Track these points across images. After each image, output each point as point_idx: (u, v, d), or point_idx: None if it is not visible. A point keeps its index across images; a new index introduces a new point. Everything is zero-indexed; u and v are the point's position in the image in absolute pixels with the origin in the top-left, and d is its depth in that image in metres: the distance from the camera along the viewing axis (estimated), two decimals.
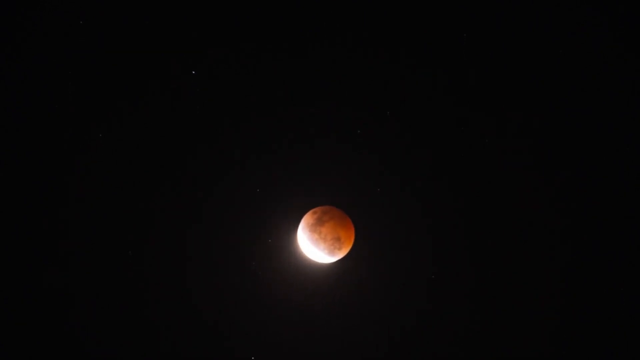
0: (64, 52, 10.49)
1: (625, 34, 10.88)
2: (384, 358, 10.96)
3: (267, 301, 11.00)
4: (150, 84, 10.68)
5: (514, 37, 10.95)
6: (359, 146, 10.99)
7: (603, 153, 11.01)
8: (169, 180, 10.84)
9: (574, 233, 11.05)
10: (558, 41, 10.94)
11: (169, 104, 10.75)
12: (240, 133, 10.88)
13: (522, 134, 11.08)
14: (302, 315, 11.00)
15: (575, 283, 11.03)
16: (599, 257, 11.02)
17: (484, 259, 11.11)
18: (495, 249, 11.11)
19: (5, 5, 10.28)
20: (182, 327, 10.82)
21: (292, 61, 10.85)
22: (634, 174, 10.94)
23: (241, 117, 10.87)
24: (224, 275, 10.95)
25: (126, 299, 10.74)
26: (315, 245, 10.85)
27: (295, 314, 10.99)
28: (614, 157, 11.00)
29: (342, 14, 10.80)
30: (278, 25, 10.75)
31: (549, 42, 10.95)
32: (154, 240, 10.85)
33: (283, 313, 10.98)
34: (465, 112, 11.09)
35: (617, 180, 11.00)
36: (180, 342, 10.81)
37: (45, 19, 10.42)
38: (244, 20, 10.71)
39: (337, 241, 10.80)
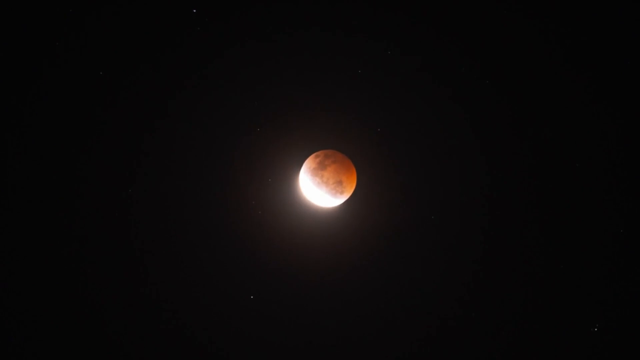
0: None
1: None
2: (386, 303, 11.17)
3: (266, 242, 11.01)
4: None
5: None
6: (360, 88, 10.82)
7: None
8: (169, 118, 10.67)
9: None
10: None
11: (167, 40, 10.45)
12: (242, 73, 10.67)
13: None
14: (301, 258, 11.06)
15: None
16: None
17: (485, 200, 11.16)
18: (497, 202, 11.16)
19: None
20: (176, 264, 10.85)
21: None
22: None
23: (243, 55, 10.63)
24: (223, 213, 10.91)
25: (124, 237, 10.71)
26: (317, 189, 10.80)
27: (294, 257, 11.05)
28: None
29: None
30: None
31: None
32: (152, 179, 10.74)
33: (282, 255, 11.03)
34: (468, 50, 10.86)
35: None
36: (174, 282, 10.86)
37: None
38: None
39: (339, 185, 10.75)
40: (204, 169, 10.80)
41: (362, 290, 11.10)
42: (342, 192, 10.81)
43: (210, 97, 10.68)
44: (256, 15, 10.53)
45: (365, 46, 10.73)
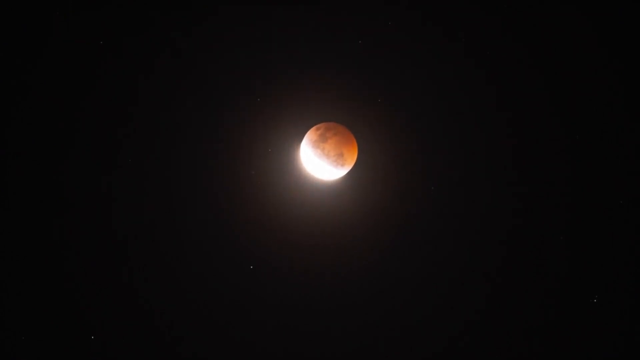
0: None
1: None
2: (388, 279, 11.25)
3: (265, 211, 11.01)
4: None
5: None
6: (361, 59, 10.72)
7: None
8: (166, 88, 10.60)
9: None
10: None
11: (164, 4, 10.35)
12: (243, 44, 10.58)
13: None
14: (301, 227, 11.09)
15: None
16: None
17: (488, 171, 11.15)
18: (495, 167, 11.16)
19: None
20: (173, 236, 10.86)
21: None
22: None
23: (244, 25, 10.54)
24: (222, 182, 10.89)
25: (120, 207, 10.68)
26: (318, 161, 10.78)
27: (293, 226, 11.07)
28: None
29: None
30: None
31: None
32: (150, 150, 10.67)
33: (281, 225, 11.04)
34: (470, 19, 10.73)
35: None
36: (169, 256, 10.88)
37: None
38: None
39: (340, 157, 10.74)
40: (204, 138, 10.76)
41: (363, 263, 11.19)
42: (343, 165, 10.81)
43: (211, 67, 10.59)
44: None
45: (367, 17, 10.62)
